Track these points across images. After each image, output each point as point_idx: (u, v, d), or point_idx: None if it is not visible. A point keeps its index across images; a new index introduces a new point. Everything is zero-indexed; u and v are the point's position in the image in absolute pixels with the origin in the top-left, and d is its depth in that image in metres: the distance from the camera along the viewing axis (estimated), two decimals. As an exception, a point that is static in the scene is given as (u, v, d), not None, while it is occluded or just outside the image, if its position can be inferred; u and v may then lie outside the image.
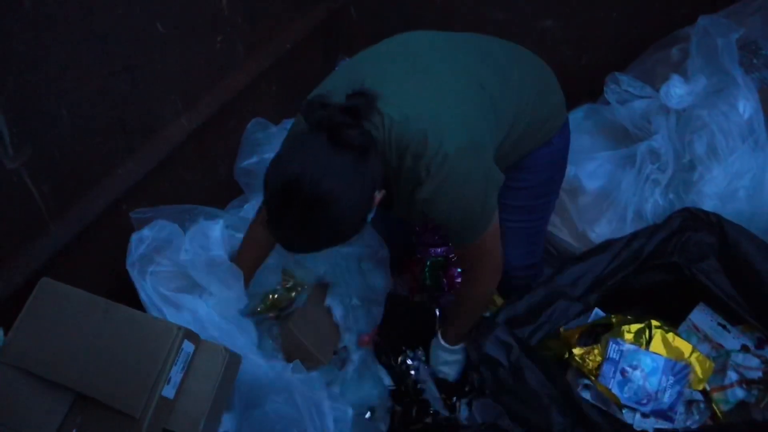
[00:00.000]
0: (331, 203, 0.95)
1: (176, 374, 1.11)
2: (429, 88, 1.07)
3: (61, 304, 1.11)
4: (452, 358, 1.42)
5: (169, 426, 1.11)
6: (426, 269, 1.70)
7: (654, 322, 1.28)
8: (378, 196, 1.05)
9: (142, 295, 1.30)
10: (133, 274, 1.30)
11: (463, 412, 1.44)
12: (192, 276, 1.33)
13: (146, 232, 1.34)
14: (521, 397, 1.18)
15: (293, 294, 1.62)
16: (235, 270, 1.28)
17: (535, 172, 1.33)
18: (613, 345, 1.25)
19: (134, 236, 1.33)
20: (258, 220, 1.33)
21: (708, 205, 1.40)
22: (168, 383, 1.09)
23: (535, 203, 1.39)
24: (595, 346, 1.27)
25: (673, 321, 1.37)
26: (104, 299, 1.12)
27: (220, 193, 1.73)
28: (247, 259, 1.33)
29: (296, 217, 0.96)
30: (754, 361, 1.24)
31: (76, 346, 1.07)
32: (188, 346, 1.13)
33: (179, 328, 1.11)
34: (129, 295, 1.35)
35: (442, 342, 1.40)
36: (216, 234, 1.36)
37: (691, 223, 1.33)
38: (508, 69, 1.19)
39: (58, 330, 1.09)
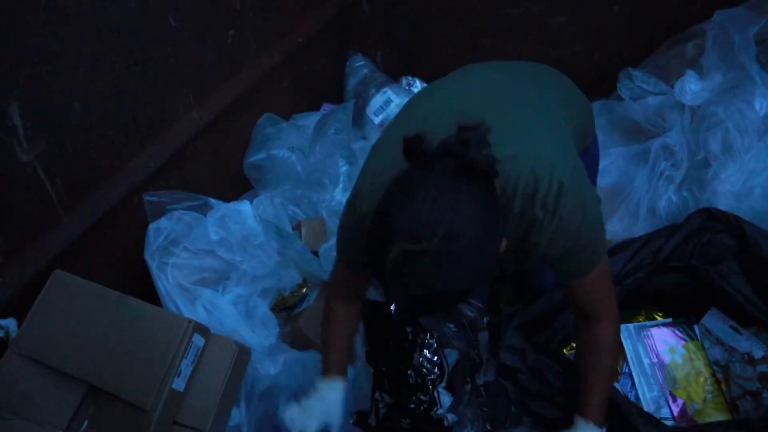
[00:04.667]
0: (467, 242, 0.78)
1: (186, 367, 1.12)
2: (524, 123, 0.98)
3: (73, 297, 1.12)
4: None
5: (179, 419, 1.12)
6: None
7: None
8: (504, 244, 0.87)
9: (160, 287, 1.31)
10: (152, 265, 1.31)
11: (444, 402, 1.39)
12: (221, 256, 1.32)
13: (164, 222, 1.35)
14: (547, 398, 1.17)
15: (304, 291, 1.63)
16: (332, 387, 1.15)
17: None
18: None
19: (152, 226, 1.34)
20: (336, 293, 1.19)
21: (723, 203, 1.38)
22: (178, 376, 1.09)
23: None
24: None
25: (688, 322, 1.36)
26: (116, 292, 1.13)
27: (230, 188, 1.74)
28: (340, 349, 1.17)
29: (426, 266, 0.78)
30: (748, 371, 1.23)
31: (88, 338, 1.08)
32: (198, 340, 1.14)
33: (190, 321, 1.11)
34: (141, 287, 1.36)
35: (595, 426, 1.07)
36: (247, 209, 1.36)
37: (710, 225, 1.31)
38: (557, 89, 1.16)
39: (71, 322, 1.10)
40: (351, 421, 1.39)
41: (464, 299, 0.86)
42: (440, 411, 1.39)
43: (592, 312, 1.06)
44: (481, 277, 0.83)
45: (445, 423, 1.37)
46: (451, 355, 1.43)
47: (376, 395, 1.41)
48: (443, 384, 1.41)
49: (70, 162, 1.22)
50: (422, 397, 1.39)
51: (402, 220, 0.80)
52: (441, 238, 0.76)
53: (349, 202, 1.06)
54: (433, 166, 0.81)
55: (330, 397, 1.11)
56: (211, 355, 1.18)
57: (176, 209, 1.40)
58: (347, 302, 1.17)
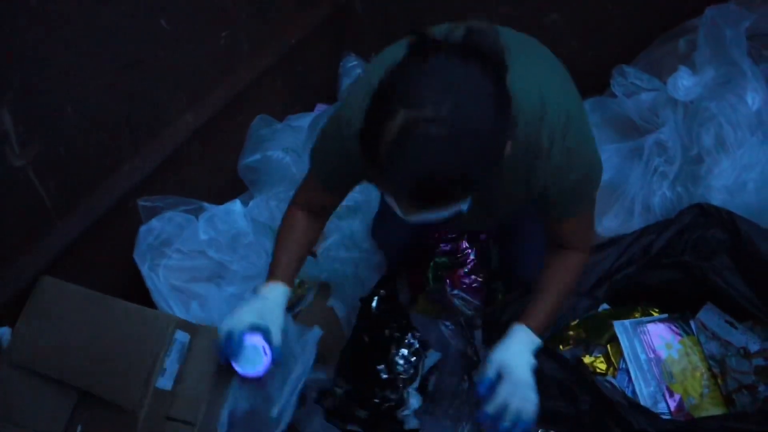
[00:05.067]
0: (476, 117, 0.71)
1: (172, 364, 1.11)
2: (530, 57, 0.95)
3: (59, 302, 1.13)
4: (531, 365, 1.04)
5: (171, 414, 1.12)
6: (429, 270, 1.69)
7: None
8: (509, 146, 0.80)
9: (151, 287, 1.30)
10: (142, 266, 1.31)
11: (412, 404, 1.37)
12: (211, 256, 1.32)
13: (155, 223, 1.35)
14: (540, 389, 1.16)
15: (300, 292, 1.63)
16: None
17: None
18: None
19: (143, 228, 1.34)
20: (301, 204, 1.12)
21: (717, 198, 1.39)
22: (163, 374, 1.09)
23: None
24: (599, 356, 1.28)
25: (684, 317, 1.36)
26: (101, 294, 1.13)
27: (225, 190, 1.74)
28: (291, 263, 1.10)
29: (432, 137, 0.69)
30: (744, 365, 1.23)
31: (75, 343, 1.08)
32: (182, 336, 1.13)
33: (170, 318, 1.11)
34: (138, 290, 1.36)
35: (532, 333, 1.04)
36: (237, 209, 1.36)
37: (703, 220, 1.32)
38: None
39: (58, 328, 1.10)
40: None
41: (467, 189, 0.75)
42: (406, 412, 1.37)
43: (571, 244, 1.07)
44: (487, 165, 0.75)
45: (405, 426, 1.36)
46: (432, 357, 1.43)
47: (338, 380, 1.40)
48: (415, 386, 1.40)
49: (63, 166, 1.21)
50: (390, 395, 1.38)
51: (408, 87, 0.72)
52: (450, 107, 0.69)
53: (335, 112, 1.01)
54: (441, 48, 0.73)
55: (270, 298, 1.04)
56: (199, 347, 1.17)
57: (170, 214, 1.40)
58: (309, 215, 1.12)
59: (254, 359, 1.04)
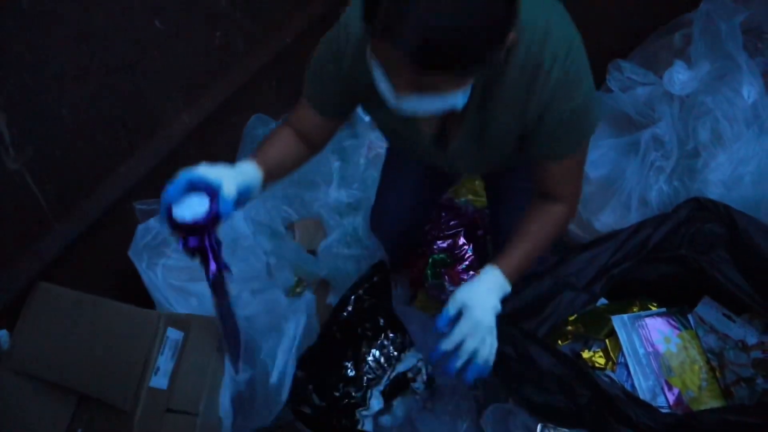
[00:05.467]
0: None
1: (166, 362, 1.11)
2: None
3: (54, 306, 1.13)
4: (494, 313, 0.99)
5: (172, 406, 1.12)
6: (428, 266, 1.69)
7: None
8: (511, 37, 0.78)
9: (148, 283, 1.30)
10: (139, 264, 1.31)
11: (372, 406, 1.36)
12: None
13: (153, 222, 1.34)
14: (535, 382, 1.17)
15: (298, 291, 1.64)
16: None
17: None
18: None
19: (140, 227, 1.34)
20: (290, 124, 1.08)
21: (713, 192, 1.39)
22: (156, 373, 1.09)
23: None
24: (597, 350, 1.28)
25: (682, 311, 1.37)
26: (94, 297, 1.13)
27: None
28: (268, 154, 1.03)
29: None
30: (742, 357, 1.24)
31: (71, 346, 1.09)
32: (174, 333, 1.13)
33: (160, 316, 1.11)
34: (135, 292, 1.36)
35: (502, 276, 1.00)
36: (238, 212, 1.36)
37: (700, 214, 1.32)
38: None
39: (54, 331, 1.11)
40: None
41: (469, 61, 0.74)
42: (365, 412, 1.37)
43: (557, 194, 1.04)
44: (492, 39, 0.74)
45: (360, 426, 1.35)
46: (406, 362, 1.41)
47: (297, 372, 1.37)
48: (380, 388, 1.39)
49: (59, 169, 1.21)
50: (353, 392, 1.37)
51: None
52: None
53: (334, 27, 0.99)
54: None
55: (239, 166, 0.95)
56: (195, 339, 1.17)
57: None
58: (298, 136, 1.07)
59: (195, 207, 0.87)
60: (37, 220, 1.20)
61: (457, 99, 0.82)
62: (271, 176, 1.01)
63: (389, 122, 1.06)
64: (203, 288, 1.33)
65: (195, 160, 1.60)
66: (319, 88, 1.04)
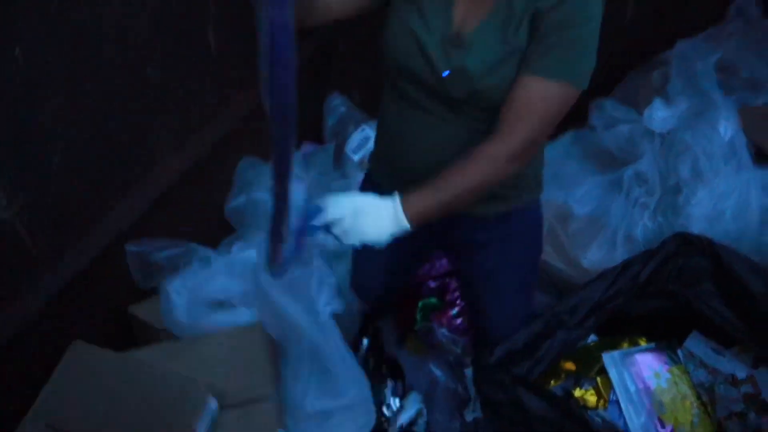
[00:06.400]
0: None
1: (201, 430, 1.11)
2: None
3: (91, 366, 1.14)
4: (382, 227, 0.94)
5: None
6: (418, 311, 1.69)
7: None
8: None
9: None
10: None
11: None
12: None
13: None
14: (527, 427, 1.17)
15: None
16: None
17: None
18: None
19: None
20: None
21: (696, 227, 1.42)
22: None
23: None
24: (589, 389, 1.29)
25: (671, 346, 1.38)
26: (134, 358, 1.14)
27: (213, 232, 1.74)
28: None
29: None
30: (733, 392, 1.25)
31: (106, 407, 1.09)
32: (213, 403, 1.13)
33: (202, 387, 1.11)
34: (126, 337, 1.35)
35: (400, 207, 0.95)
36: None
37: (685, 249, 1.34)
38: None
39: (89, 392, 1.10)
40: None
41: None
42: None
43: (508, 123, 0.95)
44: None
45: None
46: (409, 409, 1.41)
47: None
48: None
49: (50, 215, 1.22)
50: None
51: None
52: None
53: None
54: None
55: None
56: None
57: (159, 258, 1.40)
58: None
59: None
60: (28, 269, 1.19)
61: None
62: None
63: (408, 19, 1.02)
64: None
65: (186, 204, 1.63)
66: None
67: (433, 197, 0.96)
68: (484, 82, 0.97)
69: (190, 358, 1.22)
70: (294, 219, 0.98)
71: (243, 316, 1.33)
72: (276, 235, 1.00)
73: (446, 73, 0.99)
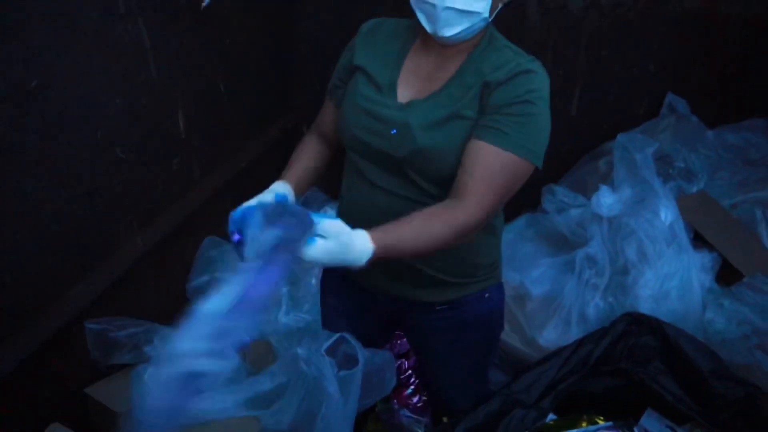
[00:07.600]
0: None
1: None
2: None
3: None
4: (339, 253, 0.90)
5: None
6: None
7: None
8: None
9: None
10: None
11: None
12: None
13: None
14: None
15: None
16: None
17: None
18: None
19: None
20: (312, 128, 1.28)
21: (644, 306, 1.49)
22: None
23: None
24: None
25: (628, 425, 1.40)
26: None
27: (175, 312, 1.71)
28: (293, 167, 1.20)
29: None
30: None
31: None
32: None
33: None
34: (81, 419, 1.30)
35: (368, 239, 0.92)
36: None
37: (634, 328, 1.40)
38: None
39: None
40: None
41: None
42: None
43: (467, 188, 0.99)
44: None
45: None
46: None
47: None
48: None
49: (8, 294, 1.20)
50: None
51: None
52: None
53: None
54: None
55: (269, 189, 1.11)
56: None
57: (119, 336, 1.38)
58: (319, 138, 1.25)
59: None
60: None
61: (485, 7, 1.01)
62: (300, 187, 1.18)
63: (364, 93, 1.13)
64: None
65: (148, 282, 1.61)
66: (335, 80, 1.21)
67: (396, 238, 0.97)
68: (425, 139, 1.04)
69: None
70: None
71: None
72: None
73: (394, 131, 1.08)
